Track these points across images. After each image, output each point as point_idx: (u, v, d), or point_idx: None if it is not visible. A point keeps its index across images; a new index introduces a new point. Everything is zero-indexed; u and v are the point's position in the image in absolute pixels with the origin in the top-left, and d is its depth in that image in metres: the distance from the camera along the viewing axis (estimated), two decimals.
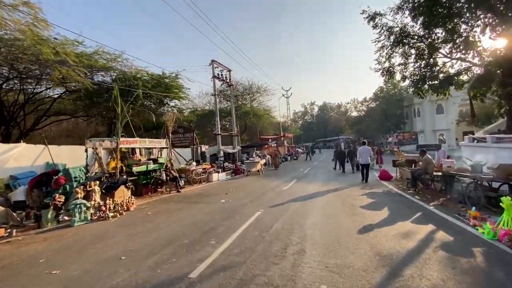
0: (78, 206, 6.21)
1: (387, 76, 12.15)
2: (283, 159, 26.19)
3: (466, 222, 5.22)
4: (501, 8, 8.73)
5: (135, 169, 9.42)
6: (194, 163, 13.62)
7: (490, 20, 9.05)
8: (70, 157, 9.63)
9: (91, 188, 6.91)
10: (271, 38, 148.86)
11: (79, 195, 6.43)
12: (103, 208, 6.77)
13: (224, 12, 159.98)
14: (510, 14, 8.62)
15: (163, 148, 11.61)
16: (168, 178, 10.25)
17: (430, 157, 8.38)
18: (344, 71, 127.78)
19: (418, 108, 41.61)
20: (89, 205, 6.46)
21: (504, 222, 4.51)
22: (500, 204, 4.70)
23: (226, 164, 18.10)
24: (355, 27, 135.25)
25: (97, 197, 6.89)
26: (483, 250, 3.89)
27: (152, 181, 10.38)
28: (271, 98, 36.16)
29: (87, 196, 6.70)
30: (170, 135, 15.16)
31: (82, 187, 6.86)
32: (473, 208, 5.53)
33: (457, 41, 10.19)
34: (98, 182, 7.27)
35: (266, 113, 28.62)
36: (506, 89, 8.32)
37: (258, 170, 16.29)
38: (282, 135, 36.60)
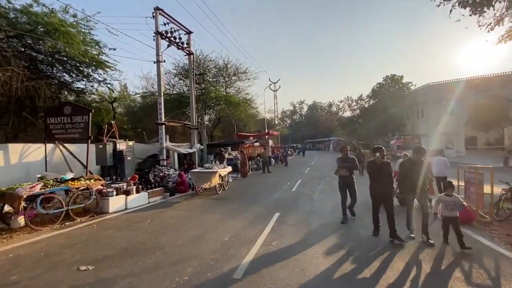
0: None
1: None
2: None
3: None
4: None
5: None
6: (70, 175, 6.58)
7: None
8: None
9: None
10: (258, 29, 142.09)
11: None
12: None
13: None
14: None
15: None
16: None
17: None
18: (337, 70, 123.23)
19: (422, 108, 36.38)
20: None
21: None
22: None
23: (169, 171, 11.15)
24: (350, 20, 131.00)
25: None
26: None
27: None
28: (253, 83, 29.55)
29: None
30: (49, 119, 8.15)
31: None
32: None
33: None
34: None
35: (244, 102, 21.71)
36: None
37: (216, 186, 9.47)
38: (266, 132, 29.98)
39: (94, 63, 13.27)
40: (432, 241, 4.23)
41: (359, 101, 45.83)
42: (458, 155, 31.37)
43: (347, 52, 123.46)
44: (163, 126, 12.29)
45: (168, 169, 11.58)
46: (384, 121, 36.23)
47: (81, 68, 13.59)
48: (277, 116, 50.68)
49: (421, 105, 35.77)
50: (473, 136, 43.08)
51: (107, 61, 13.36)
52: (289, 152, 33.53)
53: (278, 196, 8.91)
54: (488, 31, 7.03)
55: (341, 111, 65.38)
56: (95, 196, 6.50)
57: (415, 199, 4.69)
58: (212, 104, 20.47)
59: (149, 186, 8.69)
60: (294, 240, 4.62)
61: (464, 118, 33.15)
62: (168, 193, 8.89)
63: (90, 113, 8.05)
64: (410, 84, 38.92)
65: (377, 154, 4.71)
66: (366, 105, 42.22)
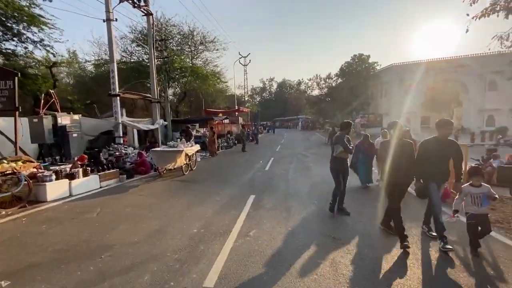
0: None
1: None
2: (234, 142, 18.72)
3: None
4: None
5: None
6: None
7: None
8: None
9: None
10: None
11: None
12: None
13: None
14: None
15: None
16: None
17: None
18: (308, 47, 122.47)
19: (385, 87, 37.94)
20: None
21: None
22: None
23: (127, 150, 9.82)
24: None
25: None
26: None
27: None
28: (222, 54, 26.24)
29: None
30: None
31: None
32: None
33: None
34: None
35: (212, 75, 20.09)
36: None
37: (182, 167, 8.50)
38: (236, 109, 28.81)
39: (25, 18, 10.74)
40: (435, 234, 3.49)
41: (327, 80, 46.26)
42: (414, 133, 33.80)
43: (320, 30, 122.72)
44: (118, 98, 10.61)
45: (126, 148, 10.21)
46: (350, 100, 37.22)
47: (8, 24, 10.94)
48: (247, 93, 49.24)
49: (385, 85, 37.23)
50: (427, 116, 46.90)
51: (41, 16, 10.88)
52: (259, 129, 33.09)
53: (251, 176, 8.30)
54: (471, 4, 6.82)
55: (309, 89, 65.76)
56: (25, 182, 5.17)
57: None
58: (177, 76, 18.57)
59: (101, 168, 7.40)
60: (274, 228, 4.04)
61: (422, 99, 35.30)
62: (125, 176, 7.70)
63: (16, 78, 6.30)
64: (375, 64, 39.89)
65: (391, 132, 3.59)
66: (333, 84, 42.84)
